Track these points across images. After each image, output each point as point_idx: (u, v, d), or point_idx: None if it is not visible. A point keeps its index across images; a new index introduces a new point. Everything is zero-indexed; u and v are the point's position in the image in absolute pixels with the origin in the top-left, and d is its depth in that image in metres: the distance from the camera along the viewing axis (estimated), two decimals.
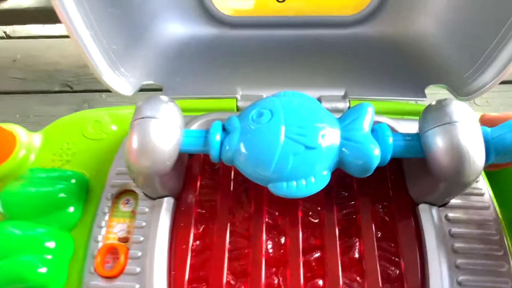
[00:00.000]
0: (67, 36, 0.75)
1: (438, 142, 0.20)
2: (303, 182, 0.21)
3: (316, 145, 0.21)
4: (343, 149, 0.21)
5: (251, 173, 0.22)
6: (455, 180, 0.21)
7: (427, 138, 0.21)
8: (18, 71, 0.75)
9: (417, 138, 0.22)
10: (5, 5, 0.72)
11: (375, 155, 0.20)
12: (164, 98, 0.22)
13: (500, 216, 0.24)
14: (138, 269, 0.23)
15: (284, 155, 0.21)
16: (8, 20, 0.74)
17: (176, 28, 0.33)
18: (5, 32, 0.79)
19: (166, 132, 0.21)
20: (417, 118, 0.23)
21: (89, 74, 0.71)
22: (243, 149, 0.21)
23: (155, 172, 0.21)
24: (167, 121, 0.21)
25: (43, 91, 0.74)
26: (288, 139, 0.21)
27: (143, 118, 0.21)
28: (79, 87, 0.73)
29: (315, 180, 0.21)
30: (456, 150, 0.20)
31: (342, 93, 0.29)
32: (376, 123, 0.24)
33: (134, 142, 0.20)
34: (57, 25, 0.78)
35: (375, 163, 0.21)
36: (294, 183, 0.21)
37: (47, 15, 0.71)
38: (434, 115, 0.21)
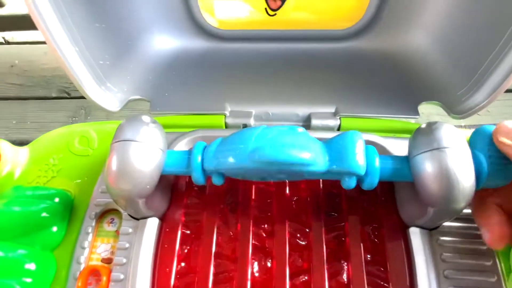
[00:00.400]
0: None
1: (426, 168, 0.19)
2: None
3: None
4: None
5: (234, 153, 0.21)
6: (444, 207, 0.20)
7: (416, 163, 0.20)
8: (15, 77, 0.75)
9: (406, 162, 0.21)
10: (3, 11, 0.72)
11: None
12: (146, 119, 0.22)
13: None
14: None
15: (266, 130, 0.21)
16: (7, 26, 0.74)
17: (165, 41, 0.32)
18: (3, 38, 0.79)
19: (146, 155, 0.20)
20: (409, 136, 0.23)
21: None
22: (222, 148, 0.21)
23: (136, 196, 0.21)
24: (147, 144, 0.20)
25: (40, 97, 0.73)
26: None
27: (123, 141, 0.20)
28: (76, 93, 0.73)
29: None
30: (445, 176, 0.19)
31: (332, 110, 0.28)
32: (365, 142, 0.23)
33: (113, 165, 0.20)
34: None
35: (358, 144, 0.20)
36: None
37: None
38: (423, 139, 0.20)
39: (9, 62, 0.76)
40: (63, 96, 0.72)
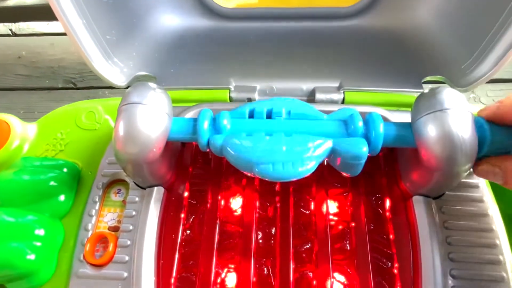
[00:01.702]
0: None
1: (429, 130, 0.20)
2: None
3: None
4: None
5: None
6: (448, 170, 0.20)
7: (418, 126, 0.20)
8: (22, 68, 0.76)
9: (409, 127, 0.22)
10: (9, 2, 0.73)
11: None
12: (152, 85, 0.22)
13: (498, 211, 0.24)
14: (126, 258, 0.23)
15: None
16: (13, 16, 0.75)
17: (171, 19, 0.33)
18: (10, 30, 0.80)
19: (153, 118, 0.21)
20: None
21: (93, 72, 0.72)
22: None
23: (143, 160, 0.21)
24: (154, 108, 0.21)
25: (47, 88, 0.74)
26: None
27: (130, 103, 0.20)
28: (82, 84, 0.74)
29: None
30: (447, 136, 0.19)
31: (337, 84, 0.29)
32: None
33: (121, 128, 0.20)
34: None
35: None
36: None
37: (51, 12, 0.72)
38: (425, 103, 0.20)
39: (16, 53, 0.77)
40: (70, 86, 0.73)
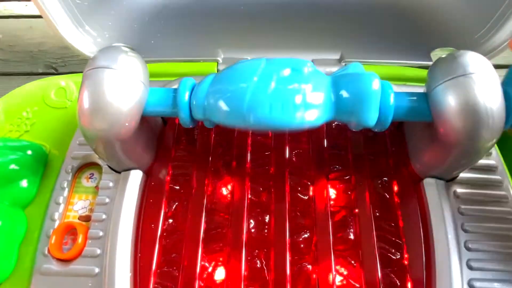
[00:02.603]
0: None
1: (449, 99, 0.17)
2: (291, 105, 0.17)
3: (304, 66, 0.18)
4: (338, 88, 0.17)
5: (228, 111, 0.17)
6: (469, 146, 0.17)
7: (436, 96, 0.17)
8: (0, 52, 0.72)
9: (424, 99, 0.19)
10: None
11: (374, 89, 0.17)
12: (125, 48, 0.19)
13: None
14: (98, 251, 0.20)
15: (264, 76, 0.17)
16: None
17: None
18: None
19: (124, 85, 0.17)
20: (422, 84, 0.20)
21: (75, 56, 0.68)
22: (214, 89, 0.17)
23: (114, 137, 0.18)
24: (126, 73, 0.18)
25: (26, 73, 0.70)
26: (269, 64, 0.17)
27: (97, 68, 0.17)
28: (64, 69, 0.69)
29: (304, 107, 0.17)
30: (472, 107, 0.16)
31: (337, 56, 0.26)
32: None
33: (85, 98, 0.17)
34: None
35: (373, 99, 0.17)
36: (280, 105, 0.17)
37: None
38: (444, 68, 0.17)
39: None
40: (50, 72, 0.68)
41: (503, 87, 0.17)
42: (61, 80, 0.28)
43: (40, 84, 0.28)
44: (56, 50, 0.70)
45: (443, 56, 0.18)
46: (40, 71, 0.68)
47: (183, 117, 0.19)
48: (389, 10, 0.28)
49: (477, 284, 0.19)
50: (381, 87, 0.18)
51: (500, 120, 0.17)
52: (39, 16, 0.77)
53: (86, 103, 0.17)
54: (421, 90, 0.20)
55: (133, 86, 0.18)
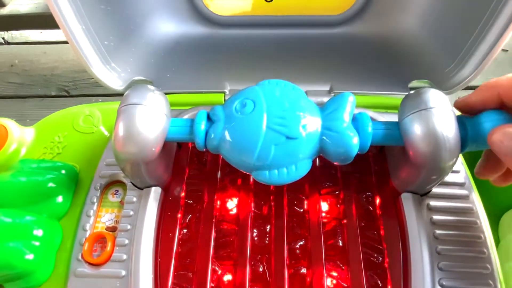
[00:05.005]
0: (65, 42, 0.77)
1: (415, 128, 0.21)
2: (285, 170, 0.21)
3: (297, 135, 0.21)
4: (324, 137, 0.21)
5: (236, 161, 0.22)
6: (433, 166, 0.21)
7: (405, 125, 0.21)
8: (15, 76, 0.76)
9: (396, 126, 0.23)
10: (3, 11, 0.73)
11: (354, 144, 0.21)
12: (151, 87, 0.23)
13: (483, 208, 0.25)
14: (124, 256, 0.23)
15: (266, 145, 0.21)
16: (6, 25, 0.76)
17: (167, 26, 0.34)
18: (3, 38, 0.80)
19: (151, 118, 0.21)
20: None
21: (86, 79, 0.72)
22: (227, 137, 0.21)
23: (142, 159, 0.22)
24: (153, 108, 0.22)
25: (40, 96, 0.74)
26: (270, 130, 0.21)
27: (130, 104, 0.21)
28: (76, 91, 0.74)
29: (296, 168, 0.21)
30: (432, 135, 0.20)
31: (327, 88, 0.30)
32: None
33: (121, 128, 0.21)
34: (55, 31, 0.79)
35: (354, 151, 0.21)
36: (276, 171, 0.21)
37: (45, 21, 0.72)
38: (411, 102, 0.22)
39: (9, 61, 0.77)
40: (63, 94, 0.73)
41: (459, 119, 0.21)
42: (88, 108, 0.32)
43: (69, 112, 0.32)
44: (68, 73, 0.75)
45: (411, 92, 0.23)
46: (53, 93, 0.72)
47: (199, 142, 0.23)
48: (371, 49, 0.32)
49: (445, 282, 0.22)
50: (361, 117, 0.22)
51: (456, 144, 0.21)
52: (53, 42, 0.82)
53: (121, 132, 0.21)
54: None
55: (158, 118, 0.22)
